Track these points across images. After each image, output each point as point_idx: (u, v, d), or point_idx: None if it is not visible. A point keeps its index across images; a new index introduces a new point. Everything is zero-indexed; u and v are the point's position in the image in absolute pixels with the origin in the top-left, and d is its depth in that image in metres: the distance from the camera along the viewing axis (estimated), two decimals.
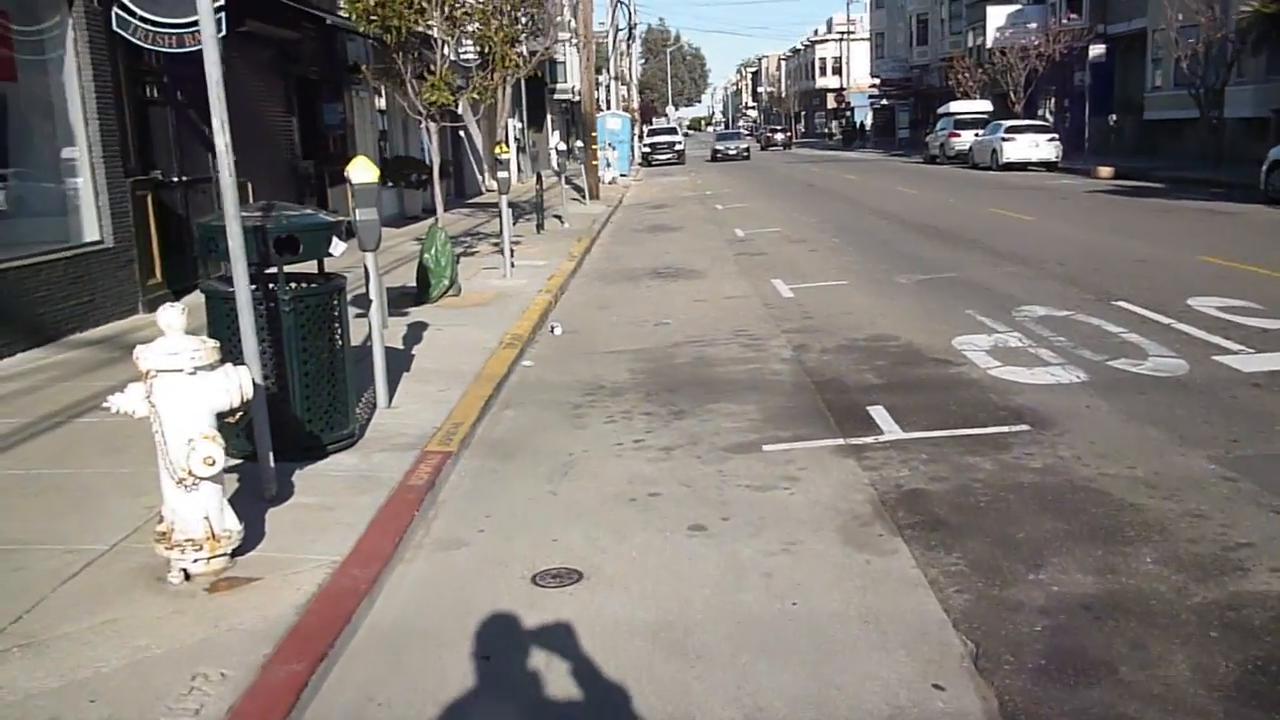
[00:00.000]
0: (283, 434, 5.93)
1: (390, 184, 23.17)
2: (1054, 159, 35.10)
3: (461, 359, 8.85)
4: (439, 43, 12.06)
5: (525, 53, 14.18)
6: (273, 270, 5.99)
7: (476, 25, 11.97)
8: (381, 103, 23.45)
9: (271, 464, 5.50)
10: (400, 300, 11.83)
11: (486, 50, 12.26)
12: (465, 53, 20.13)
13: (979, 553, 4.67)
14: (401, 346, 9.31)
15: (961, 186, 28.56)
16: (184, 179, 12.87)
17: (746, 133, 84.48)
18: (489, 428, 7.18)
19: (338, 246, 6.07)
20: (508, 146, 13.64)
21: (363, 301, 7.67)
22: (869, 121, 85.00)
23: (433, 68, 12.10)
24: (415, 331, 9.96)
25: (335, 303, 6.24)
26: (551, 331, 10.56)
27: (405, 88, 11.90)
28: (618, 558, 4.86)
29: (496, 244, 16.95)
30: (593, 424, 7.15)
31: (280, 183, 16.41)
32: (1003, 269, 12.83)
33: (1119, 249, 14.02)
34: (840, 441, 6.38)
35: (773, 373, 8.28)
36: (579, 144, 27.92)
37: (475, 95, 12.13)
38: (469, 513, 5.55)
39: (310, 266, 6.36)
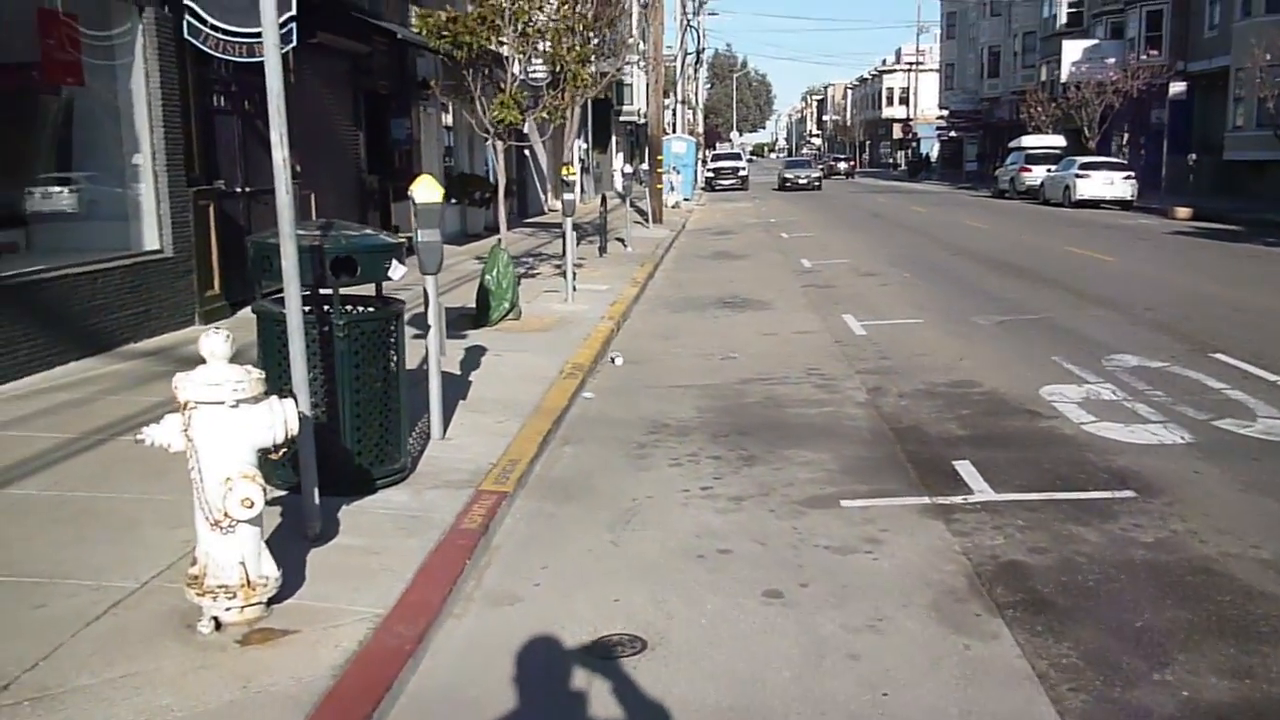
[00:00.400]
0: (330, 467, 5.58)
1: (454, 201, 23.02)
2: (1129, 197, 34.21)
3: (520, 388, 8.48)
4: (509, 60, 11.78)
5: (596, 73, 13.87)
6: (328, 292, 5.66)
7: (548, 44, 11.66)
8: (448, 119, 23.34)
9: (316, 500, 5.14)
10: (459, 322, 11.51)
11: (558, 69, 11.96)
12: (535, 71, 19.98)
13: (1093, 643, 4.16)
14: (459, 372, 8.96)
15: (1034, 222, 27.83)
16: (248, 190, 12.70)
17: (816, 160, 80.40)
18: (547, 465, 6.78)
19: (397, 270, 5.73)
20: (574, 168, 13.32)
21: (420, 323, 7.32)
22: (935, 153, 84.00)
23: (502, 86, 11.82)
24: (473, 357, 9.62)
25: (392, 329, 5.89)
26: (613, 362, 10.17)
27: (474, 105, 11.62)
28: (686, 625, 4.42)
29: (558, 266, 16.66)
30: (657, 466, 6.73)
31: (345, 196, 16.26)
32: (1087, 313, 12.23)
33: (1210, 295, 13.34)
34: (925, 500, 5.88)
35: (848, 417, 7.80)
36: (644, 167, 27.62)
37: (544, 115, 11.82)
38: (524, 563, 5.15)
39: (369, 290, 6.02)
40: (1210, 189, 37.09)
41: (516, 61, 11.70)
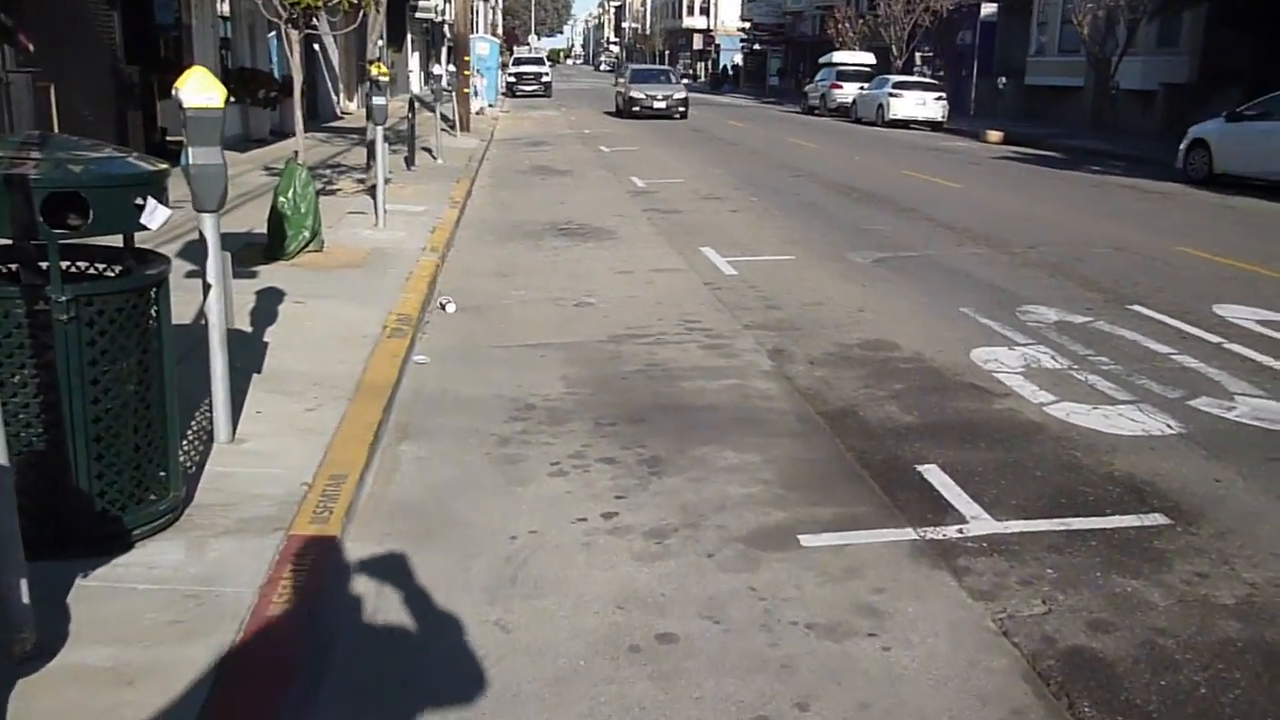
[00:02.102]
0: (53, 519, 3.62)
1: (234, 100, 20.04)
2: (940, 119, 34.05)
3: (333, 353, 6.51)
4: None
5: None
6: (43, 248, 3.60)
7: None
8: (226, 7, 20.22)
9: (25, 594, 3.16)
10: (247, 255, 9.28)
11: None
12: None
13: None
14: (249, 329, 6.89)
15: (858, 143, 27.01)
16: None
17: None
18: (383, 478, 4.93)
19: (156, 214, 3.71)
20: (385, 66, 11.09)
21: (195, 257, 5.26)
22: (737, 65, 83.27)
23: None
24: (268, 305, 7.53)
25: (151, 301, 3.88)
26: (443, 309, 8.28)
27: None
28: None
29: (361, 180, 14.40)
30: (534, 476, 4.99)
31: (96, 90, 13.38)
32: (967, 250, 11.10)
33: (1080, 231, 12.49)
34: (911, 534, 4.40)
35: (760, 395, 6.24)
36: (450, 68, 25.09)
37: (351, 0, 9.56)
38: (374, 682, 3.35)
39: (113, 241, 3.96)
40: (1012, 113, 37.47)
41: None
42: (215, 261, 4.73)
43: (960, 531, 4.42)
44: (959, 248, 11.23)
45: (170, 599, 3.57)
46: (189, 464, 4.62)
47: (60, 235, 3.51)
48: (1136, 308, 8.45)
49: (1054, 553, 4.24)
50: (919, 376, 6.62)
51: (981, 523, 4.50)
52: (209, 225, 4.68)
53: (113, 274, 3.96)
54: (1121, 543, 4.34)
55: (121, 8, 14.41)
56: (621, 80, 39.65)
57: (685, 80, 40.46)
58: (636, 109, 35.72)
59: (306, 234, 9.39)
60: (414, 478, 4.95)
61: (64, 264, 3.83)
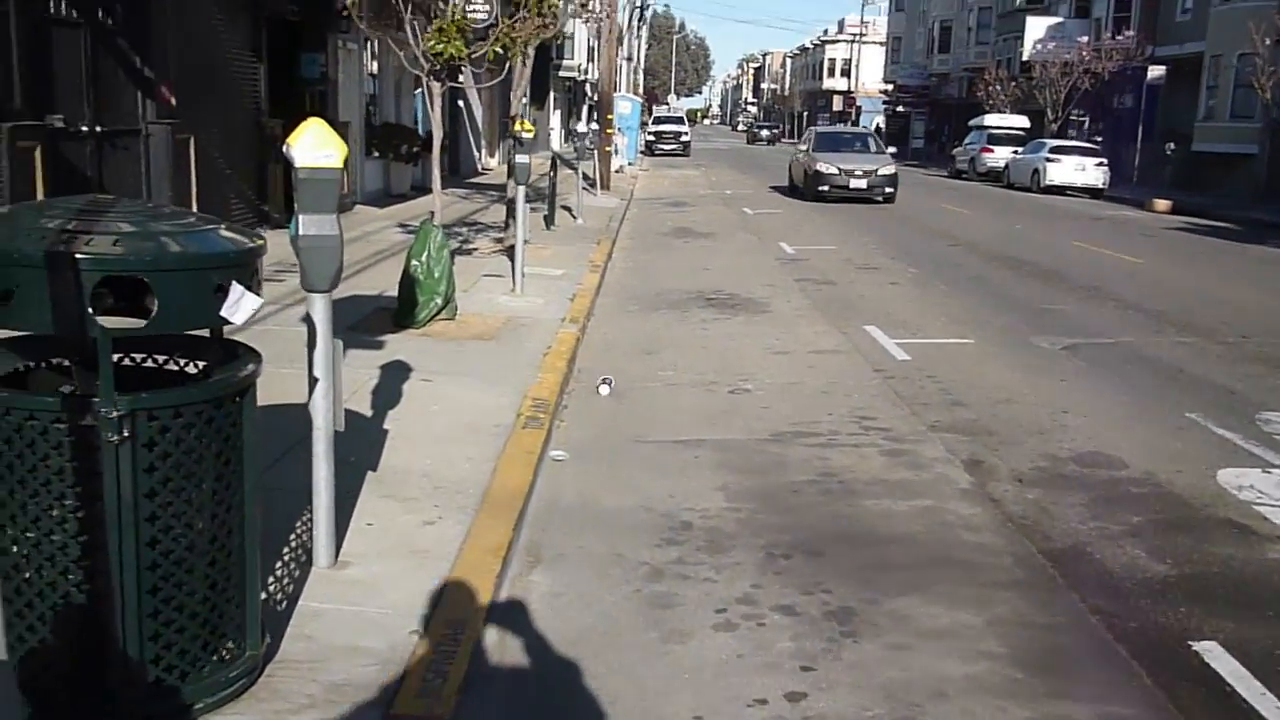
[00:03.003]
0: (96, 684, 2.80)
1: (377, 155, 19.90)
2: (1101, 185, 32.18)
3: (461, 447, 5.67)
4: None
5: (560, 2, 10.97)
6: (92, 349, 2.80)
7: None
8: (374, 64, 20.14)
9: None
10: (376, 321, 8.63)
11: None
12: (474, 11, 16.88)
13: None
14: (368, 411, 6.12)
15: (1014, 210, 25.52)
16: (99, 129, 9.61)
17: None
18: (507, 621, 4.01)
19: (242, 305, 2.88)
20: (529, 123, 10.42)
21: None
22: (878, 126, 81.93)
23: (439, 11, 8.87)
24: (392, 382, 6.77)
25: (233, 415, 3.05)
26: (599, 391, 7.39)
27: (405, 31, 8.67)
28: None
29: (499, 240, 13.78)
30: (695, 626, 4.00)
31: (237, 143, 13.12)
32: (1169, 337, 9.75)
33: None
34: None
35: (963, 523, 5.14)
36: (593, 126, 24.67)
37: (498, 49, 8.90)
38: None
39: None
40: (1176, 181, 35.31)
41: None
42: (325, 351, 3.92)
43: None
44: (1158, 335, 9.89)
45: None
46: (278, 598, 3.78)
47: (116, 330, 2.72)
48: None
49: None
50: (1159, 506, 5.41)
51: None
52: (319, 308, 3.87)
53: (190, 372, 3.16)
54: None
55: (268, 60, 14.24)
56: (802, 149, 28.49)
57: (891, 151, 29.09)
58: (825, 188, 24.85)
59: (439, 301, 8.68)
60: (547, 624, 4.01)
61: (124, 357, 3.05)
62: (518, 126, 9.87)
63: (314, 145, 3.74)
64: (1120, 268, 14.89)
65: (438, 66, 8.69)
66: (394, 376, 6.94)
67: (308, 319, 3.91)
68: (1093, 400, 7.46)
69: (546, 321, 9.21)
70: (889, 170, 25.27)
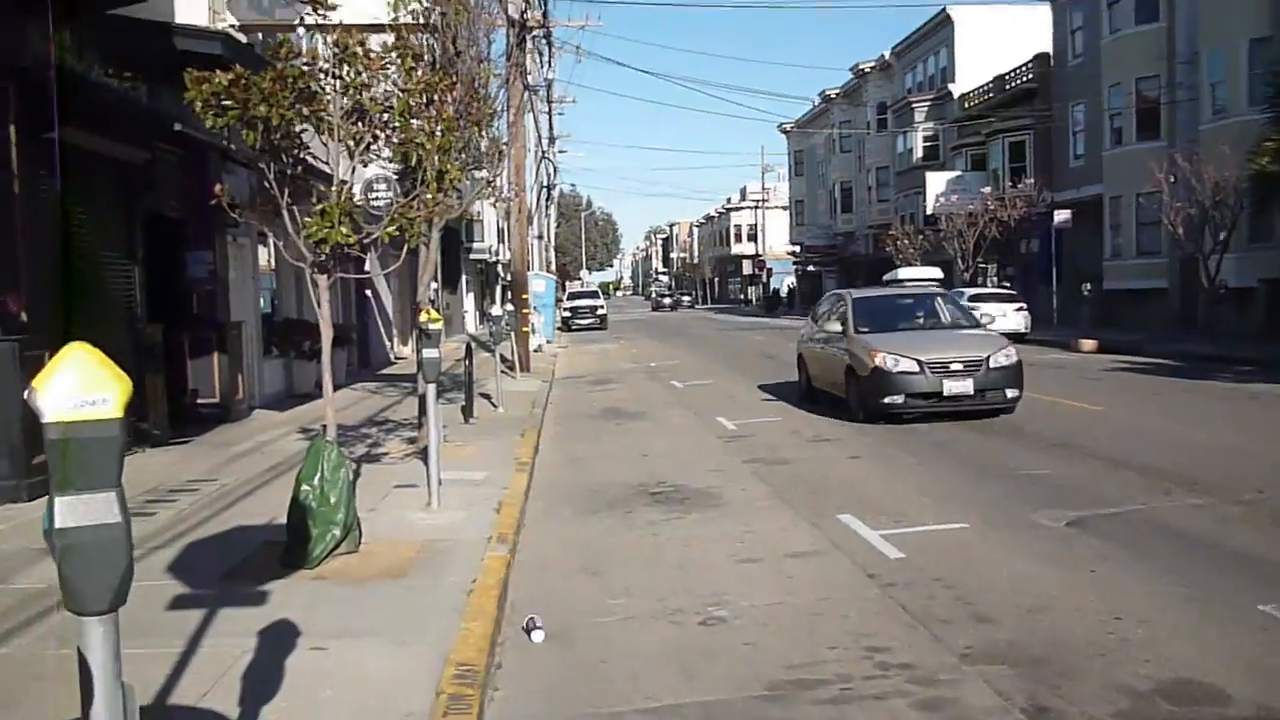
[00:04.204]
0: None
1: (277, 353, 18.50)
2: (1024, 330, 32.04)
3: None
4: (335, 155, 7.61)
5: (465, 174, 9.88)
6: None
7: (398, 124, 7.59)
8: (268, 258, 18.93)
9: None
10: (258, 563, 7.08)
11: (413, 162, 7.88)
12: (376, 198, 15.85)
13: None
14: (233, 711, 4.55)
15: None
16: None
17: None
18: None
19: None
20: (436, 313, 9.15)
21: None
22: (790, 287, 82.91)
23: (323, 191, 7.68)
24: (271, 656, 5.21)
25: None
26: (529, 635, 5.92)
27: (282, 218, 7.42)
28: None
29: (413, 440, 12.35)
30: None
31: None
32: (1181, 501, 8.61)
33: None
34: None
35: None
36: (509, 308, 23.63)
37: (393, 231, 7.68)
38: None
39: None
40: (1093, 319, 35.51)
41: (344, 156, 7.57)
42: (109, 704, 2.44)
43: None
44: (1168, 498, 8.75)
45: None
46: None
47: None
48: None
49: None
50: None
51: None
52: (96, 642, 2.42)
53: None
54: None
55: (145, 261, 12.89)
56: (830, 329, 16.19)
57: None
58: (898, 399, 13.73)
59: (337, 533, 7.16)
60: None
61: None
62: (424, 317, 8.58)
63: (77, 388, 2.38)
64: (1082, 417, 13.96)
65: (322, 257, 7.41)
66: (276, 647, 5.38)
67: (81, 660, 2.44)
68: (1140, 599, 6.16)
69: (469, 543, 7.72)
70: (1007, 359, 14.21)
